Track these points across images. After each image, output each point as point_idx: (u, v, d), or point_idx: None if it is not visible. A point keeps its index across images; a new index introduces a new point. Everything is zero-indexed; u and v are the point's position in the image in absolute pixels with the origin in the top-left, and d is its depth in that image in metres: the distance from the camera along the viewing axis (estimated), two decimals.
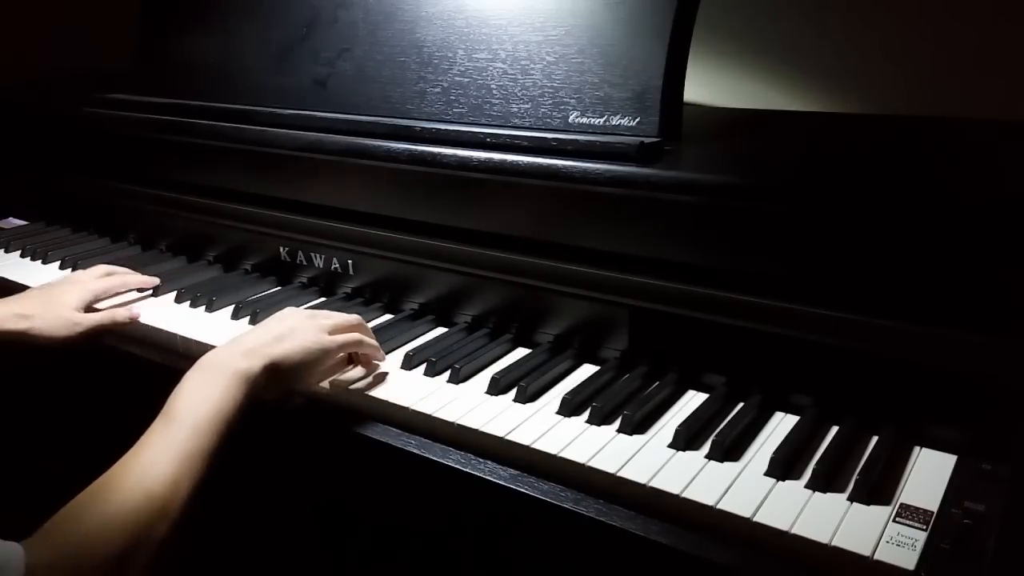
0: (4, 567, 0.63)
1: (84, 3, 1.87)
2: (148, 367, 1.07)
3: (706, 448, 0.80)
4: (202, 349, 1.03)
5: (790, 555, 0.69)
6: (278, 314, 0.94)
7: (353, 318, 0.96)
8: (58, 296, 1.09)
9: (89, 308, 1.11)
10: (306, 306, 1.13)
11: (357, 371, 0.95)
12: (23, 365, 1.20)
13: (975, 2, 1.18)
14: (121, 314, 1.10)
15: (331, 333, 0.91)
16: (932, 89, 1.22)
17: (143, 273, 1.24)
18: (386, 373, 0.96)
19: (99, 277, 1.16)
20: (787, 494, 0.74)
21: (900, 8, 1.23)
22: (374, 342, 0.96)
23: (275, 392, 0.87)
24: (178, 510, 0.72)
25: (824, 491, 0.74)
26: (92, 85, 1.48)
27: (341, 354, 0.93)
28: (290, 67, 1.23)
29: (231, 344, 0.87)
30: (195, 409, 0.78)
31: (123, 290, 1.18)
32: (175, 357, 1.05)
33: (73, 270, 1.29)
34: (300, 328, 0.90)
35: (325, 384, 0.93)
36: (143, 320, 1.10)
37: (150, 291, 1.21)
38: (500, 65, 1.06)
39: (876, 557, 0.66)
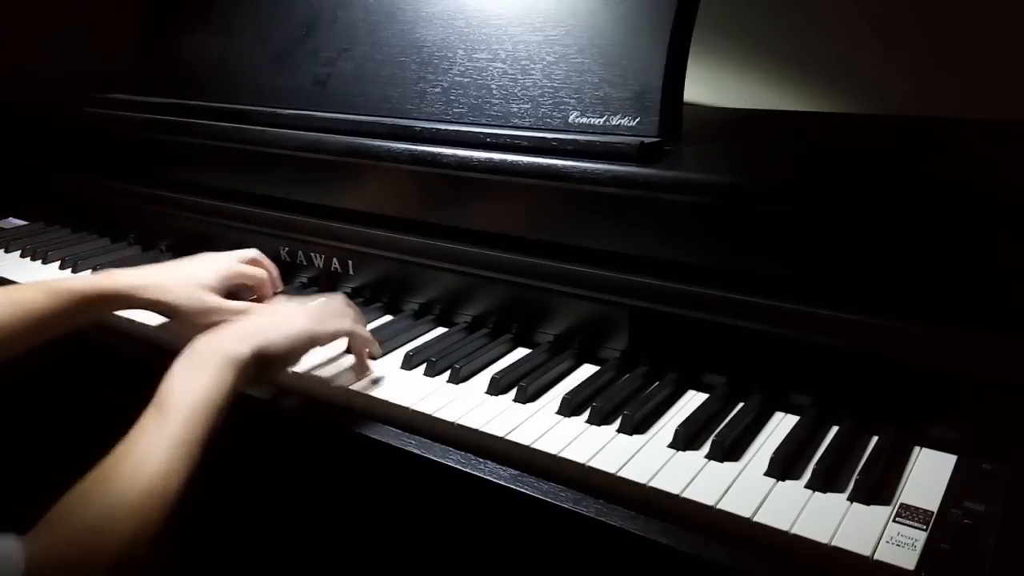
0: (3, 564, 0.62)
1: (84, 3, 1.87)
2: (147, 368, 1.07)
3: (706, 448, 0.80)
4: None
5: (790, 555, 0.69)
6: (270, 304, 0.94)
7: (342, 303, 0.97)
8: (194, 271, 1.04)
9: (225, 291, 1.05)
10: None
11: (350, 365, 0.96)
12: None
13: (976, 2, 1.18)
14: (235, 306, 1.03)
15: (323, 321, 0.92)
16: (932, 89, 1.22)
17: None
18: (385, 373, 0.96)
19: (242, 260, 1.09)
20: (787, 494, 0.74)
21: (901, 8, 1.23)
22: (367, 334, 0.97)
23: (265, 377, 0.88)
24: (175, 497, 0.72)
25: (824, 491, 0.74)
26: (92, 85, 1.48)
27: (331, 341, 0.94)
28: (290, 67, 1.23)
29: (221, 329, 0.86)
30: (187, 396, 0.78)
31: (257, 284, 1.10)
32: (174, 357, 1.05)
33: (73, 270, 1.29)
34: (290, 316, 0.90)
35: (325, 384, 0.93)
36: (143, 319, 1.10)
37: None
38: (500, 65, 1.06)
39: (876, 557, 0.66)
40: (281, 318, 0.90)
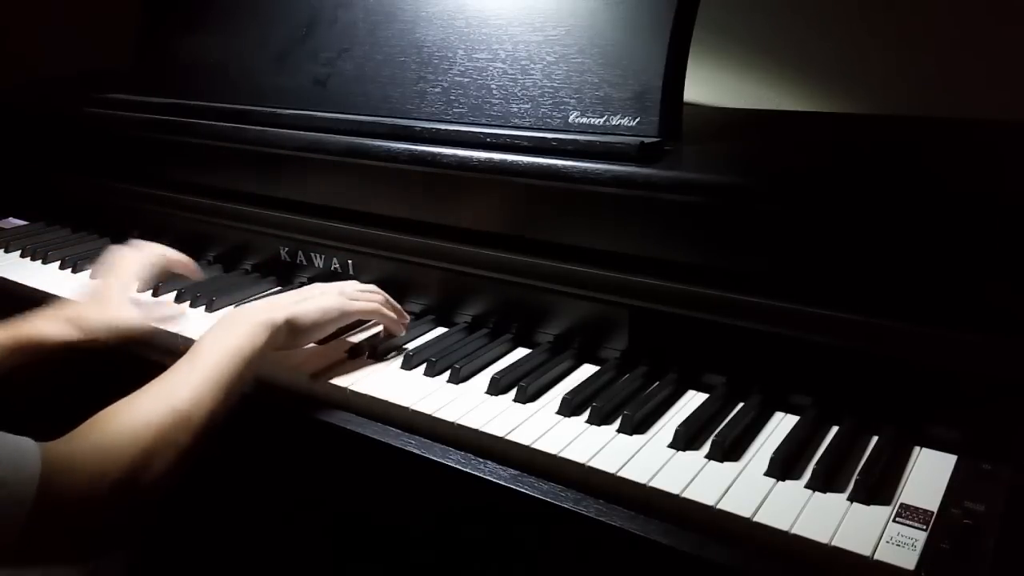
0: (19, 464, 0.63)
1: (84, 3, 1.87)
2: (147, 367, 1.07)
3: (706, 448, 0.80)
4: None
5: (790, 555, 0.69)
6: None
7: (373, 288, 1.04)
8: (102, 291, 1.01)
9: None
10: None
11: (350, 365, 0.97)
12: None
13: (976, 2, 1.18)
14: (168, 312, 1.09)
15: (354, 299, 0.98)
16: (932, 89, 1.22)
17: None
18: (385, 373, 0.96)
19: (144, 262, 1.08)
20: (787, 494, 0.74)
21: (901, 8, 1.23)
22: (392, 314, 1.01)
23: (295, 344, 0.94)
24: (200, 424, 0.76)
25: (824, 491, 0.74)
26: (92, 85, 1.48)
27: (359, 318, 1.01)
28: (290, 67, 1.23)
29: (255, 302, 0.95)
30: (219, 345, 0.83)
31: (169, 269, 1.12)
32: (175, 358, 1.05)
33: (73, 270, 1.29)
34: (323, 292, 0.98)
35: (325, 383, 0.93)
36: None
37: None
38: (500, 65, 1.06)
39: (876, 557, 0.66)
40: (314, 293, 0.97)
